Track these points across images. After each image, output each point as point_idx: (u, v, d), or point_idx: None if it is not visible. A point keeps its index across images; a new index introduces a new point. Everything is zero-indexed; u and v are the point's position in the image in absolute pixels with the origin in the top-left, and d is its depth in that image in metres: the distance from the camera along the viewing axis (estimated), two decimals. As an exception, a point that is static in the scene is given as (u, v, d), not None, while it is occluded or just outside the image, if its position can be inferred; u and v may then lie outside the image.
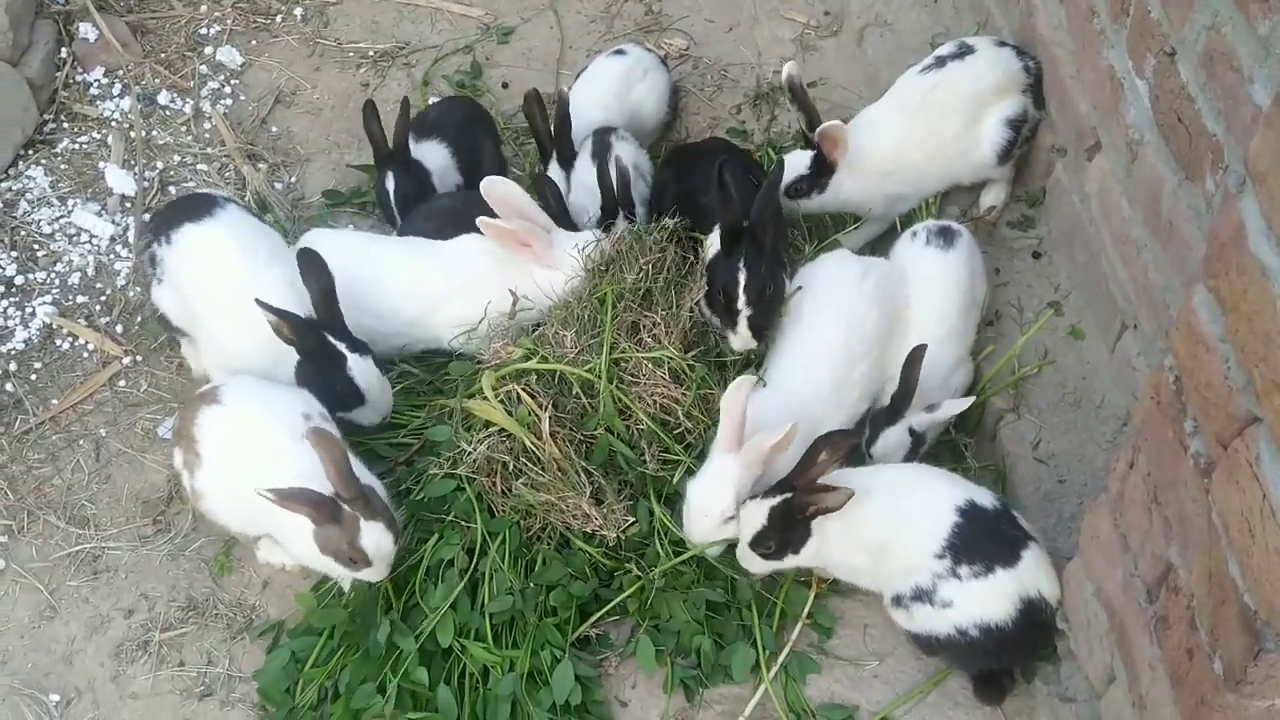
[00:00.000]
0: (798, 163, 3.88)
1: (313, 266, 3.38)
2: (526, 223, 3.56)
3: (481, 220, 3.52)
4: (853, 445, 3.03)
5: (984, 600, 3.03)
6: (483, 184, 3.57)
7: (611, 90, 4.25)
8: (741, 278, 3.41)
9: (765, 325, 3.48)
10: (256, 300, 3.29)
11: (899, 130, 3.88)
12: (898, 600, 3.13)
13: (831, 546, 3.14)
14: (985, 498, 3.12)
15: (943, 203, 4.05)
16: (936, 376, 3.46)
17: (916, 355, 3.31)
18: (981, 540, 3.04)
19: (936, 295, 3.58)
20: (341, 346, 3.42)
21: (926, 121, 3.86)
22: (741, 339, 3.48)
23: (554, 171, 4.05)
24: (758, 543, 3.11)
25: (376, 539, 3.05)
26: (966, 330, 3.63)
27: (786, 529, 3.08)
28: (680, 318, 3.54)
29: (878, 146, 3.86)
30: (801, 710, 3.22)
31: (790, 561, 3.17)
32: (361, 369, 3.44)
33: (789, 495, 3.04)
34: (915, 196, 3.99)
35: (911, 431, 3.38)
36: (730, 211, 3.44)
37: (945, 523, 3.04)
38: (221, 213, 3.60)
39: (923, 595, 3.07)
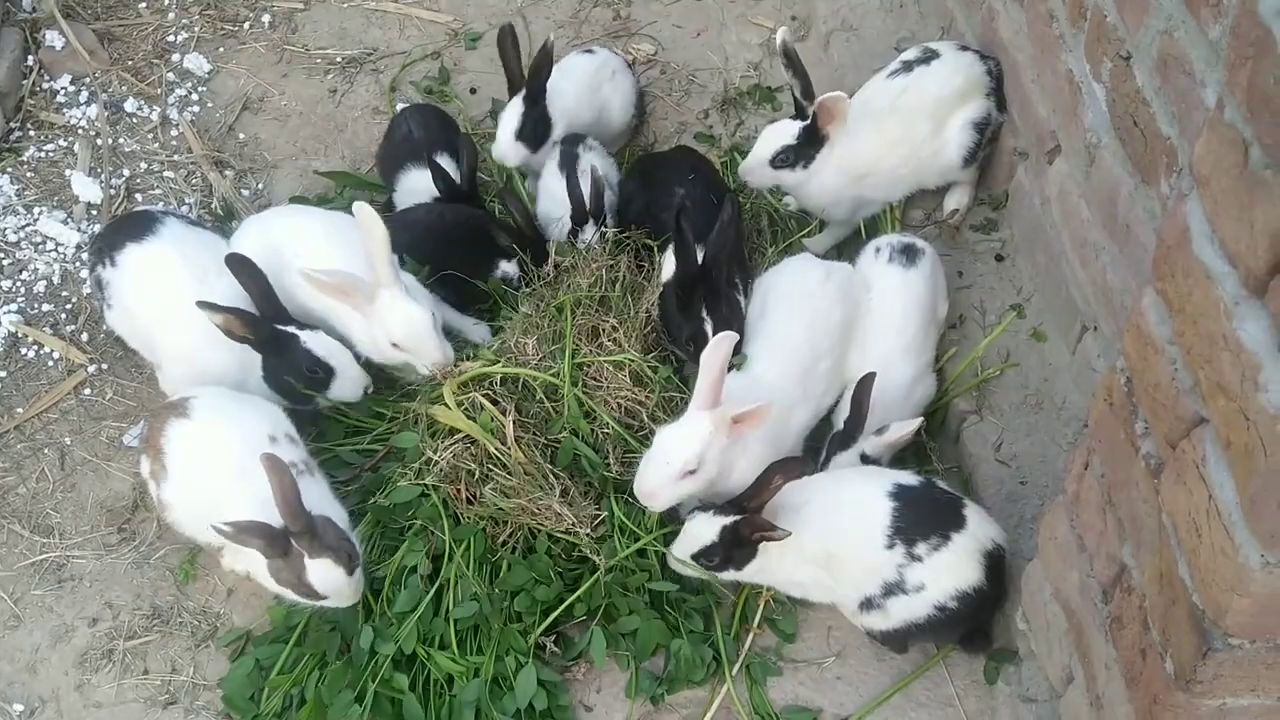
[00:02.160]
0: (783, 132, 3.84)
1: (243, 267, 3.40)
2: (347, 275, 3.42)
3: (302, 271, 3.41)
4: (804, 470, 3.05)
5: (953, 569, 3.08)
6: (355, 207, 3.41)
7: (584, 82, 4.23)
8: (708, 328, 3.44)
9: (735, 354, 3.46)
10: (198, 303, 3.30)
11: (870, 135, 3.87)
12: (868, 603, 3.15)
13: (773, 566, 3.16)
14: (907, 477, 3.17)
15: (906, 207, 4.07)
16: (896, 393, 3.48)
17: (866, 383, 3.33)
18: (924, 515, 3.09)
19: (897, 312, 3.59)
20: (291, 328, 3.44)
21: (897, 125, 3.87)
22: None
23: (515, 103, 3.99)
24: (704, 555, 3.13)
25: (323, 575, 3.02)
26: (925, 347, 3.64)
27: (733, 548, 3.10)
28: (638, 321, 3.55)
29: (853, 150, 3.86)
30: (766, 714, 3.23)
31: (728, 576, 3.19)
32: (317, 341, 3.45)
33: (740, 518, 3.05)
34: (881, 202, 4.01)
35: (864, 457, 3.38)
36: (685, 260, 3.44)
37: (884, 511, 3.08)
38: (163, 229, 3.60)
39: (894, 589, 3.09)
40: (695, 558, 3.14)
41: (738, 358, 3.43)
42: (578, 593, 3.26)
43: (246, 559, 3.26)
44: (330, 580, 3.04)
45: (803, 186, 3.91)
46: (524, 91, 3.99)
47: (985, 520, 3.17)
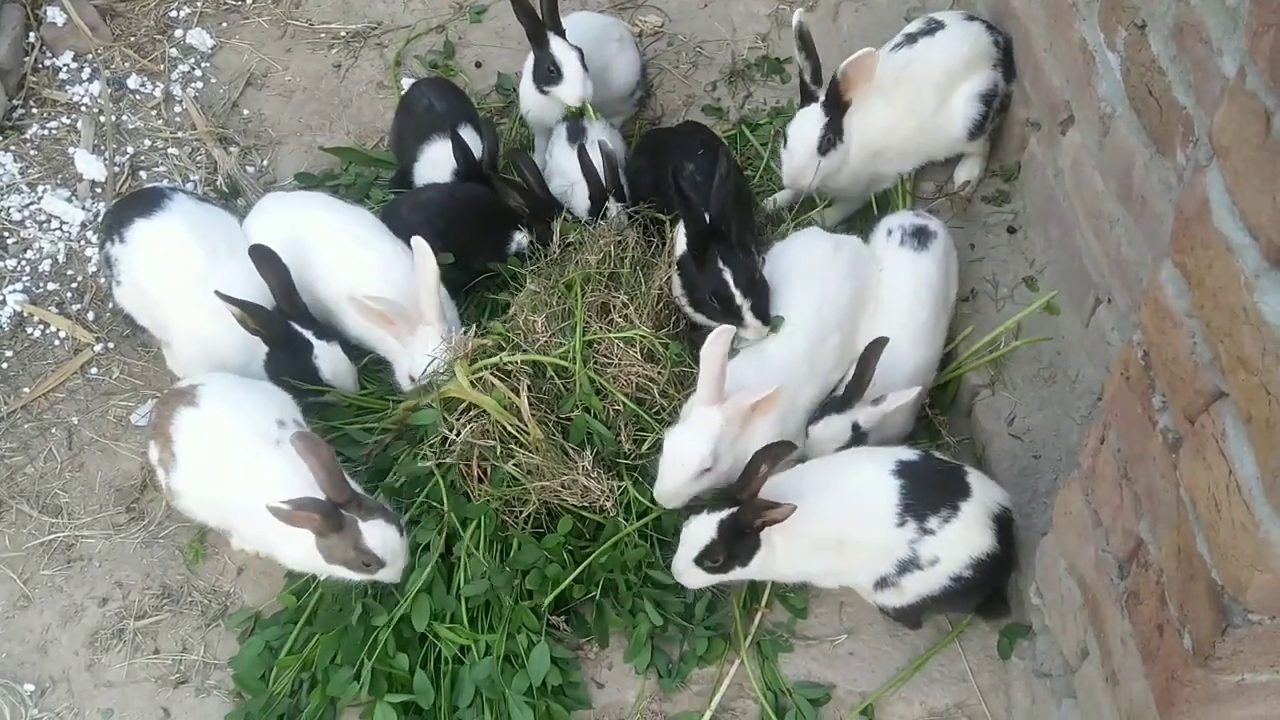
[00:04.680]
0: (813, 118, 3.70)
1: (266, 260, 3.38)
2: (394, 305, 3.44)
3: (353, 298, 3.45)
4: (791, 456, 2.99)
5: (965, 538, 3.07)
6: (413, 242, 3.40)
7: (589, 35, 4.15)
8: (728, 276, 3.37)
9: (767, 306, 3.43)
10: (216, 293, 3.28)
11: (880, 108, 3.78)
12: (883, 582, 3.13)
13: (777, 557, 3.12)
14: (905, 453, 3.15)
15: (917, 179, 4.03)
16: (899, 378, 3.41)
17: (875, 349, 3.26)
18: (930, 487, 3.07)
19: (907, 296, 3.54)
20: (309, 334, 3.41)
21: (904, 97, 3.81)
22: (753, 329, 3.41)
23: (561, 44, 3.91)
24: (706, 555, 3.07)
25: (380, 536, 3.02)
26: (935, 334, 3.58)
27: (735, 541, 3.06)
28: (649, 297, 3.53)
29: (865, 127, 3.77)
30: (779, 690, 3.23)
31: (735, 574, 3.14)
32: (328, 356, 3.45)
33: (736, 509, 3.01)
34: (894, 176, 3.96)
35: (855, 426, 3.33)
36: (693, 218, 3.39)
37: (891, 490, 3.06)
38: (172, 204, 3.58)
39: (908, 565, 3.08)
40: (698, 561, 3.10)
41: (774, 320, 3.40)
42: (579, 569, 3.24)
43: (264, 542, 3.25)
44: (387, 541, 3.03)
45: (840, 167, 3.80)
46: (552, 34, 3.93)
47: (988, 484, 3.16)
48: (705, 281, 3.42)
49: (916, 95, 3.82)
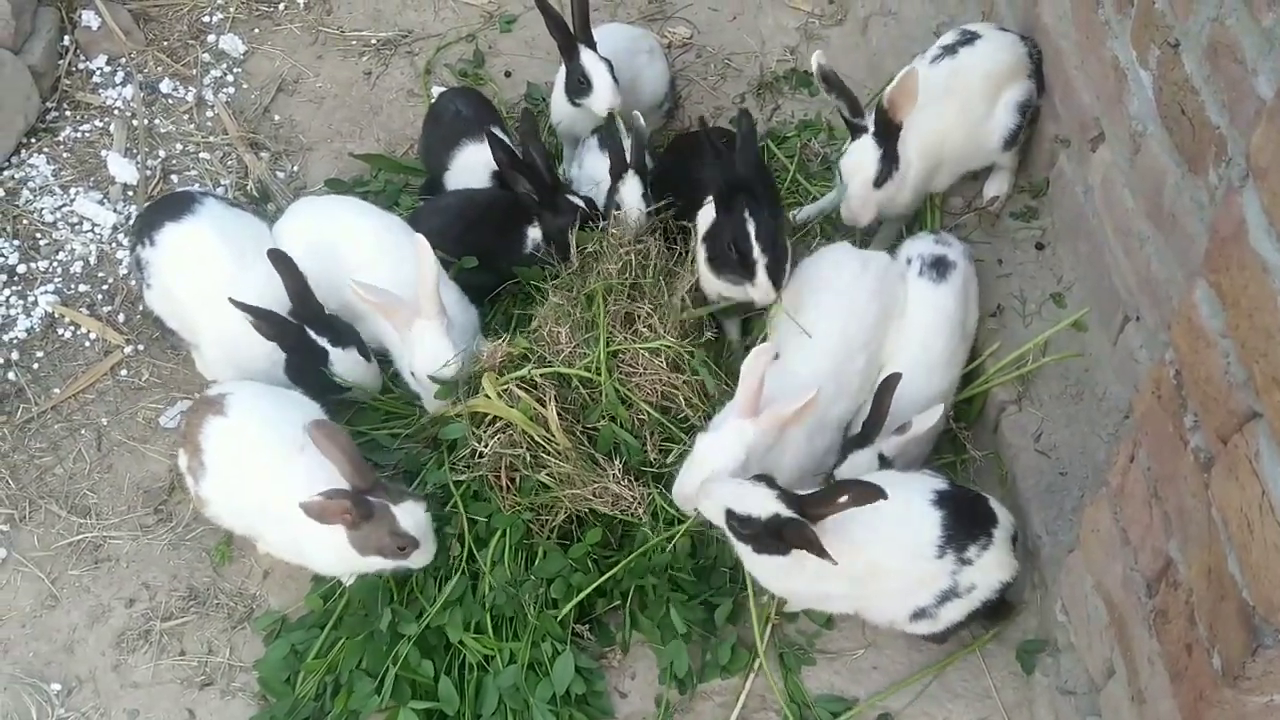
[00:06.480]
0: (866, 151, 3.62)
1: (283, 265, 3.39)
2: (391, 296, 3.42)
3: (353, 283, 3.41)
4: (877, 499, 2.83)
5: (998, 565, 3.08)
6: (414, 236, 3.41)
7: (620, 46, 4.16)
8: (751, 228, 3.31)
9: (782, 272, 3.37)
10: (231, 300, 3.30)
11: (932, 120, 3.70)
12: (920, 613, 3.11)
13: (795, 573, 2.99)
14: (936, 481, 3.12)
15: (946, 194, 4.02)
16: (914, 408, 3.37)
17: (890, 384, 3.25)
18: (968, 518, 3.06)
19: (924, 327, 3.52)
20: (323, 341, 3.43)
21: (955, 106, 3.77)
22: (762, 289, 3.36)
23: (591, 56, 3.92)
24: (741, 520, 2.92)
25: (413, 516, 3.03)
26: (952, 364, 3.56)
27: (770, 536, 2.92)
28: (673, 307, 3.53)
29: (921, 141, 3.70)
30: (801, 702, 3.23)
31: (740, 551, 3.04)
32: (344, 362, 3.46)
33: (796, 519, 2.87)
34: (938, 188, 3.95)
35: (881, 457, 3.30)
36: (725, 169, 3.35)
37: (934, 522, 3.02)
38: (202, 209, 3.61)
39: (949, 595, 3.07)
40: (730, 518, 2.95)
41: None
42: (608, 574, 3.25)
43: (294, 550, 3.27)
44: (419, 520, 3.04)
45: (899, 193, 3.74)
46: (582, 45, 3.94)
47: (1002, 508, 3.16)
48: (727, 228, 3.37)
49: (967, 103, 3.79)
